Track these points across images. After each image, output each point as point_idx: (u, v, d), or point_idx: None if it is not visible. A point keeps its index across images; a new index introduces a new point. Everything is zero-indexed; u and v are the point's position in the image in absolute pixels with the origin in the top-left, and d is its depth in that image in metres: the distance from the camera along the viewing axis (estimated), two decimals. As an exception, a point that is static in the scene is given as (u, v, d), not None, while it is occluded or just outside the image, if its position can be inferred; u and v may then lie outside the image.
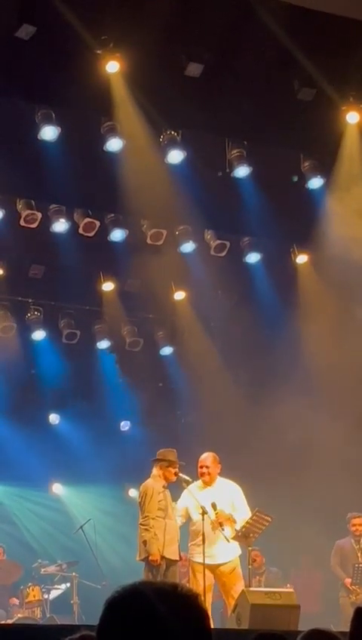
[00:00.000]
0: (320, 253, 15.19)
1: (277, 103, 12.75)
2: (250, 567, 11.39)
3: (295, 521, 14.64)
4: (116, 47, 11.77)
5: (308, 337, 15.56)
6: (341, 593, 13.96)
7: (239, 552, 11.35)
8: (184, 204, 13.71)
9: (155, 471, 11.52)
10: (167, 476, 11.39)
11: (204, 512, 10.90)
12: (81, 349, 16.88)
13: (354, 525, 14.06)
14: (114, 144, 12.97)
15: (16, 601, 14.68)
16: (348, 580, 13.81)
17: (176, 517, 11.37)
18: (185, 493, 11.41)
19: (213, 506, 11.08)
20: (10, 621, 13.71)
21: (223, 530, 11.10)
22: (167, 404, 17.75)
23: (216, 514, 11.07)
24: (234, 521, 11.20)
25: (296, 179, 14.30)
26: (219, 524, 11.09)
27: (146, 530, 11.11)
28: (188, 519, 11.40)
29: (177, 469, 11.37)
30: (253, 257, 15.84)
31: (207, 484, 11.43)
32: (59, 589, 15.25)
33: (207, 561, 10.96)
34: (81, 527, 15.60)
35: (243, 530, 11.16)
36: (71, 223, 14.48)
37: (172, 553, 11.12)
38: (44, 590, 14.69)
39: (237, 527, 11.18)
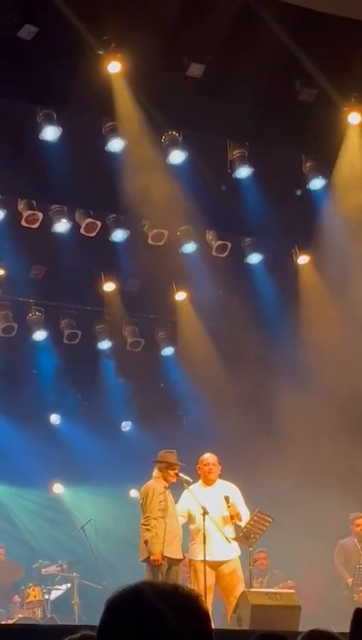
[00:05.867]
0: (321, 254, 15.18)
1: (279, 104, 12.74)
2: (251, 567, 11.40)
3: (297, 523, 14.62)
4: (118, 47, 11.77)
5: (309, 338, 15.55)
6: (345, 593, 13.99)
7: (239, 552, 11.37)
8: (185, 204, 13.70)
9: (155, 472, 11.54)
10: (166, 478, 11.41)
11: (204, 513, 10.92)
12: (82, 350, 16.87)
13: (359, 525, 14.10)
14: (115, 144, 12.96)
15: (18, 599, 14.69)
16: (351, 580, 13.86)
17: (178, 517, 11.38)
18: (185, 494, 11.42)
19: (226, 499, 11.18)
20: (10, 621, 13.71)
21: (233, 524, 11.19)
22: (168, 404, 17.74)
23: (229, 507, 11.13)
24: (241, 519, 11.27)
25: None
26: (231, 518, 11.15)
27: (148, 530, 11.11)
28: (190, 519, 11.42)
29: (177, 470, 11.39)
30: (254, 258, 15.84)
31: (208, 484, 11.47)
32: (59, 589, 15.24)
33: (208, 558, 10.97)
34: (82, 527, 15.59)
35: (245, 531, 11.19)
36: (72, 224, 14.47)
37: (174, 552, 11.12)
38: (44, 590, 14.68)
39: (242, 524, 11.23)
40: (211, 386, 16.55)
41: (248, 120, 12.88)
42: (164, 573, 11.02)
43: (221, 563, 11.22)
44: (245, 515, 11.30)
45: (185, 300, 16.66)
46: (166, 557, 11.03)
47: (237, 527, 11.35)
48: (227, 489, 11.47)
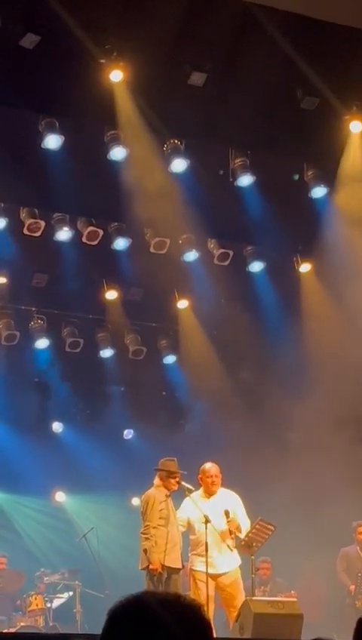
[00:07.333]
0: (323, 262, 15.18)
1: (281, 112, 12.76)
2: (253, 576, 11.35)
3: (299, 531, 14.59)
4: (120, 56, 11.79)
5: (310, 346, 15.55)
6: (347, 601, 13.98)
7: (239, 561, 11.33)
8: (187, 212, 13.72)
9: (156, 480, 11.52)
10: (167, 486, 11.38)
11: (206, 521, 10.88)
12: (84, 358, 16.86)
13: (361, 533, 14.08)
14: (117, 153, 12.98)
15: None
16: (353, 587, 13.85)
17: (178, 526, 11.34)
18: (187, 502, 11.38)
19: (226, 513, 11.10)
20: (12, 629, 13.69)
21: (233, 538, 11.11)
22: (170, 412, 17.74)
23: (228, 522, 11.07)
24: (241, 532, 11.20)
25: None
26: (230, 532, 11.10)
27: (147, 538, 11.09)
28: (189, 528, 11.37)
29: (178, 479, 11.36)
30: (256, 266, 15.84)
31: (210, 494, 11.40)
32: (61, 597, 15.21)
33: (209, 571, 10.93)
34: (84, 535, 15.57)
35: (246, 539, 11.14)
36: (74, 232, 14.49)
37: (174, 561, 11.09)
38: (46, 599, 14.66)
39: (241, 536, 11.17)
40: (213, 394, 16.54)
41: (249, 128, 12.90)
42: (163, 582, 10.99)
43: (221, 574, 11.18)
44: (245, 526, 11.24)
45: (187, 308, 16.66)
46: (165, 566, 11.00)
47: (236, 538, 11.29)
48: (228, 499, 11.39)
